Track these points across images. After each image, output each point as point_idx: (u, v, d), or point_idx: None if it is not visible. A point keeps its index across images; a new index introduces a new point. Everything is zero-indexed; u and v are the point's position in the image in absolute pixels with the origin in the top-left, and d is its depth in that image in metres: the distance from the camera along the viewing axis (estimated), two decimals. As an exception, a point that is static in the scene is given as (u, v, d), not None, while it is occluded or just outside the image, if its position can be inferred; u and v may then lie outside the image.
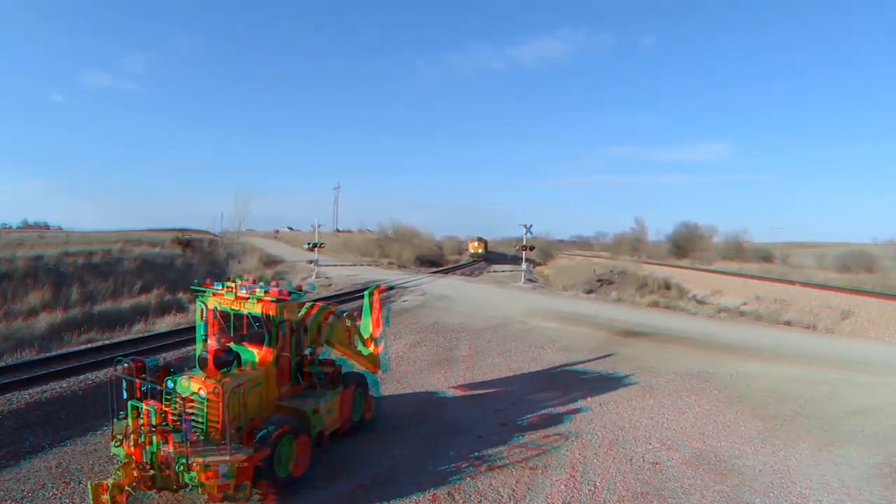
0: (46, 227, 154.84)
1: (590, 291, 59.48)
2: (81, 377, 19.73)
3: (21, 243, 61.03)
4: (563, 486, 12.83)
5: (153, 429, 10.97)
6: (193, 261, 64.75)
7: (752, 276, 75.65)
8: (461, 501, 12.05)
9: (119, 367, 12.25)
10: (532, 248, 62.08)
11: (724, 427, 16.98)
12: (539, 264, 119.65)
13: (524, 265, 60.41)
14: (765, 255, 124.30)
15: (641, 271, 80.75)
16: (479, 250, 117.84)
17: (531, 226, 57.05)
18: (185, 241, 72.08)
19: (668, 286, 69.04)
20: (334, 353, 16.59)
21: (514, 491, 12.56)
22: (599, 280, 71.42)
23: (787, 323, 41.72)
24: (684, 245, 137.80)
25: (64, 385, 18.81)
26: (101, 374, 19.79)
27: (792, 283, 65.71)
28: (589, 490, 12.70)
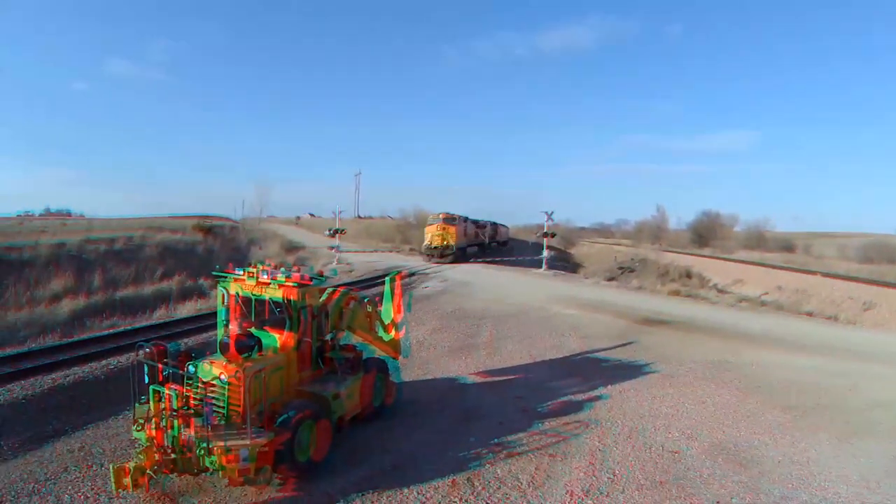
0: (68, 214, 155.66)
1: (611, 279, 59.13)
2: (103, 362, 19.79)
3: (44, 230, 61.46)
4: (582, 474, 12.80)
5: (175, 413, 11.02)
6: (215, 247, 64.95)
7: (773, 266, 74.77)
8: (480, 487, 12.01)
9: (141, 352, 12.25)
10: (553, 236, 61.74)
11: (744, 417, 16.85)
12: (565, 252, 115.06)
13: (545, 252, 59.98)
14: (786, 245, 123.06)
15: (662, 259, 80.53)
16: (444, 242, 64.34)
17: (552, 213, 56.39)
18: (207, 227, 72.37)
19: (689, 275, 68.83)
20: (355, 339, 16.56)
21: (533, 478, 12.52)
22: (620, 268, 71.23)
23: (809, 313, 41.43)
24: (705, 234, 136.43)
25: (86, 370, 18.88)
26: (122, 359, 19.86)
27: (813, 273, 64.98)
28: (608, 478, 12.65)
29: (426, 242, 66.28)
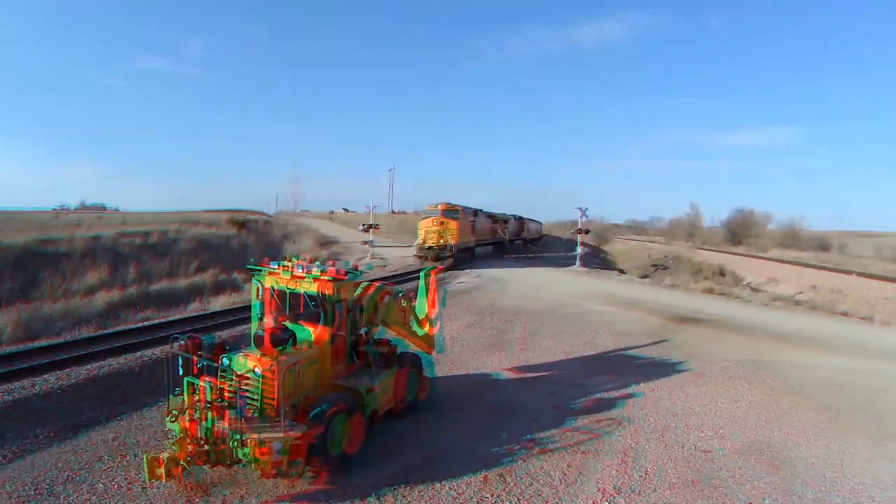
0: (103, 208, 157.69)
1: (644, 276, 58.90)
2: (137, 354, 19.95)
3: (79, 224, 62.07)
4: (614, 472, 12.69)
5: (209, 405, 11.03)
6: (248, 241, 65.27)
7: (808, 265, 73.93)
8: (512, 483, 11.93)
9: (175, 345, 12.32)
10: (588, 232, 61.38)
11: (777, 417, 16.61)
12: (600, 249, 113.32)
13: (579, 249, 59.69)
14: (821, 244, 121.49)
15: (696, 257, 79.91)
16: (441, 241, 52.33)
17: (587, 209, 56.12)
18: (241, 221, 72.66)
19: (722, 273, 68.26)
20: (390, 334, 16.55)
21: (565, 474, 12.42)
22: (654, 265, 70.81)
23: (844, 314, 40.64)
24: (739, 232, 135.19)
25: (121, 361, 19.04)
26: (156, 352, 20.02)
27: (849, 273, 64.11)
28: (640, 476, 12.53)
29: (418, 241, 54.08)
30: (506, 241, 75.05)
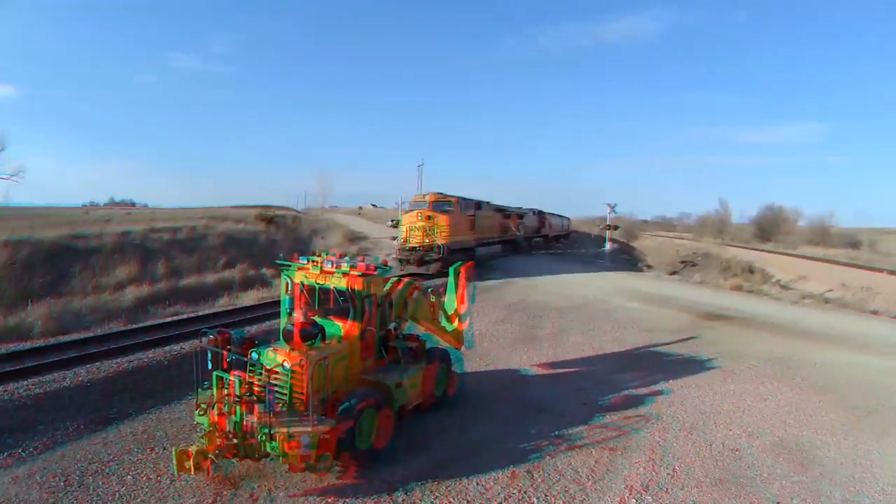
0: (132, 204, 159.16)
1: (673, 273, 58.54)
2: (166, 348, 20.05)
3: (109, 220, 62.56)
4: (641, 469, 12.62)
5: (238, 399, 11.05)
6: (277, 237, 65.32)
7: (837, 263, 72.99)
8: (540, 480, 11.88)
9: (205, 339, 12.36)
10: (616, 228, 61.08)
11: (807, 416, 16.39)
12: (629, 245, 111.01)
13: (608, 245, 59.39)
14: (851, 241, 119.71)
15: (725, 254, 79.11)
16: (427, 240, 41.89)
17: (615, 205, 55.98)
18: (269, 217, 72.54)
19: (751, 270, 67.40)
20: (419, 329, 16.53)
21: (592, 471, 12.37)
22: (683, 261, 70.16)
23: (874, 312, 40.10)
24: (768, 228, 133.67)
25: (150, 355, 19.14)
26: (185, 346, 20.13)
27: (880, 270, 63.24)
28: (668, 474, 12.44)
29: (399, 240, 44.26)
30: (520, 239, 66.05)
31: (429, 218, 42.10)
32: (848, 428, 15.63)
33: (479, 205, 51.49)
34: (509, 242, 62.74)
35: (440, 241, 41.12)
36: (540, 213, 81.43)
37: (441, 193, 44.80)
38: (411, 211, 44.18)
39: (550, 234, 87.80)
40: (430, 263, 40.88)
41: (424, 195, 45.41)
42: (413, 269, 40.19)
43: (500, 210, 59.79)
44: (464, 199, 47.34)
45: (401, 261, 41.98)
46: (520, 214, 67.48)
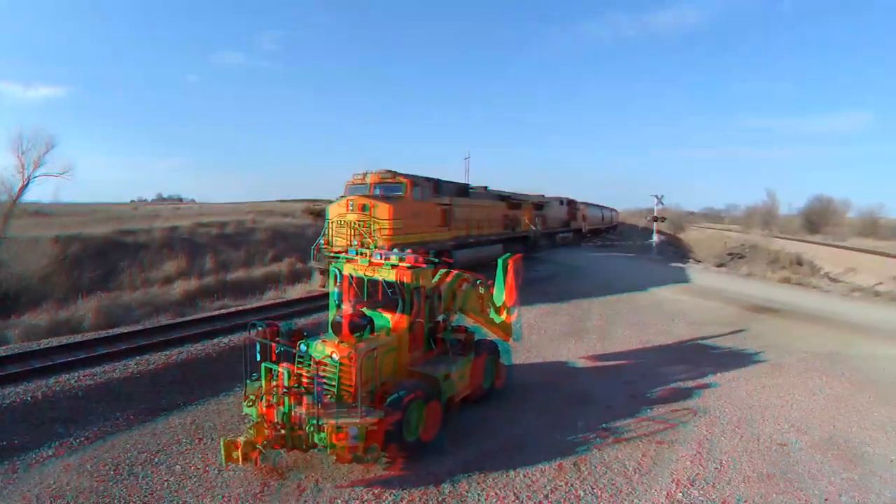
0: (180, 200, 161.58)
1: (720, 265, 57.88)
2: (215, 340, 20.24)
3: (157, 215, 63.51)
4: (688, 462, 12.44)
5: (287, 390, 11.12)
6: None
7: (888, 255, 71.68)
8: (587, 472, 11.76)
9: (254, 331, 12.49)
10: (663, 220, 60.36)
11: (856, 412, 15.99)
12: (675, 237, 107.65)
13: (655, 237, 58.84)
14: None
15: (772, 246, 78.13)
16: (358, 242, 26.08)
17: (662, 196, 55.19)
18: (317, 211, 72.91)
19: (799, 262, 66.52)
20: (467, 321, 16.49)
21: (639, 464, 12.23)
22: (730, 254, 69.41)
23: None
24: (817, 220, 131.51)
25: (198, 348, 19.32)
26: (233, 339, 20.34)
27: (933, 263, 61.91)
28: (714, 468, 12.25)
29: (320, 241, 29.43)
30: (536, 236, 52.27)
31: (363, 208, 28.53)
32: (898, 424, 15.37)
33: (462, 190, 38.72)
34: (518, 241, 47.88)
35: (380, 241, 26.21)
36: (570, 203, 69.39)
37: (391, 171, 30.78)
38: (340, 201, 30.08)
39: (586, 229, 76.14)
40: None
41: (364, 174, 31.11)
42: (318, 287, 30.11)
43: (505, 198, 47.37)
44: (433, 180, 33.76)
45: (321, 272, 29.16)
46: (537, 204, 54.94)
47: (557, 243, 62.39)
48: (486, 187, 45.14)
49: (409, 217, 29.76)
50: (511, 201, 48.06)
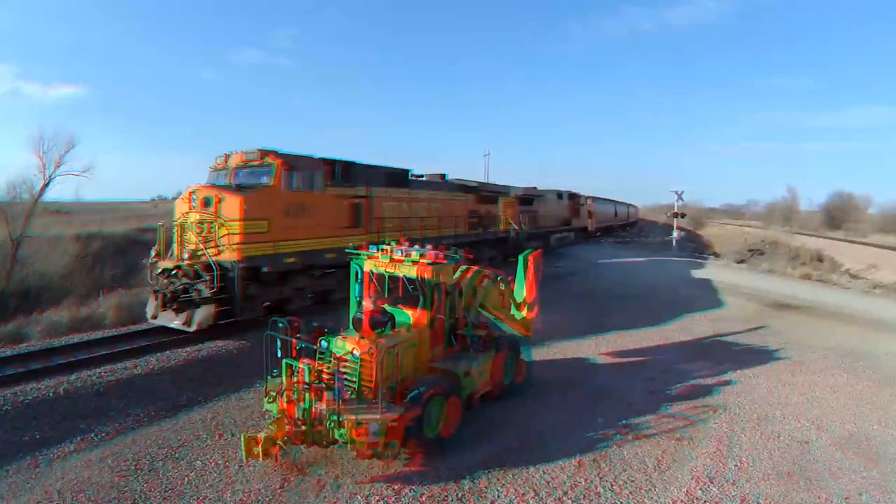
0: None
1: (741, 261, 57.67)
2: (234, 337, 20.20)
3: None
4: (708, 460, 12.41)
5: (307, 386, 11.14)
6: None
7: (910, 252, 71.13)
8: (606, 469, 11.76)
9: (275, 327, 12.44)
10: (683, 216, 60.17)
11: (877, 410, 15.93)
12: (696, 233, 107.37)
13: (675, 233, 58.62)
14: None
15: (793, 242, 77.70)
16: (202, 251, 19.61)
17: (682, 192, 55.25)
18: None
19: (820, 258, 66.19)
20: (488, 317, 16.42)
21: (659, 461, 12.20)
22: (750, 250, 69.00)
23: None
24: (837, 216, 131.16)
25: (219, 345, 19.32)
26: (253, 335, 20.27)
27: (955, 260, 61.38)
28: (734, 465, 12.22)
29: (151, 253, 21.22)
30: (520, 237, 42.87)
31: (205, 203, 20.57)
32: (920, 422, 15.24)
33: (395, 178, 28.86)
34: (491, 244, 39.62)
35: (228, 252, 19.94)
36: (572, 197, 61.22)
37: (261, 150, 21.93)
38: (184, 196, 21.62)
39: (593, 227, 68.40)
40: (192, 305, 19.72)
41: (228, 155, 22.79)
42: (152, 305, 20.93)
43: (471, 190, 37.55)
44: (334, 161, 24.41)
45: (155, 294, 20.63)
46: (524, 197, 46.24)
47: (551, 245, 53.04)
48: (443, 175, 36.27)
49: (279, 215, 21.37)
50: (481, 193, 38.47)
